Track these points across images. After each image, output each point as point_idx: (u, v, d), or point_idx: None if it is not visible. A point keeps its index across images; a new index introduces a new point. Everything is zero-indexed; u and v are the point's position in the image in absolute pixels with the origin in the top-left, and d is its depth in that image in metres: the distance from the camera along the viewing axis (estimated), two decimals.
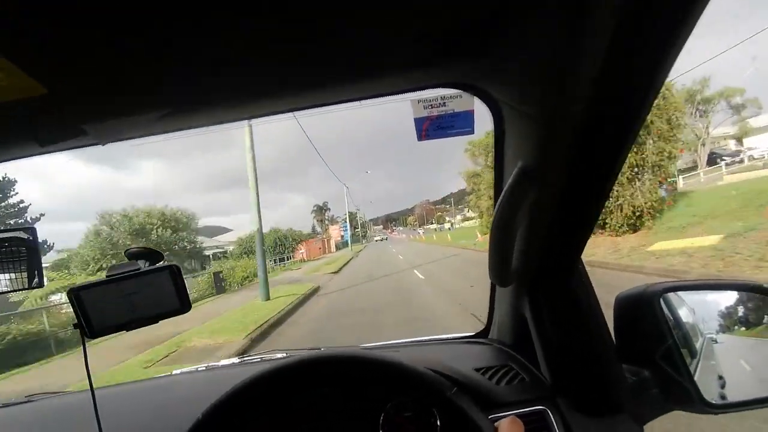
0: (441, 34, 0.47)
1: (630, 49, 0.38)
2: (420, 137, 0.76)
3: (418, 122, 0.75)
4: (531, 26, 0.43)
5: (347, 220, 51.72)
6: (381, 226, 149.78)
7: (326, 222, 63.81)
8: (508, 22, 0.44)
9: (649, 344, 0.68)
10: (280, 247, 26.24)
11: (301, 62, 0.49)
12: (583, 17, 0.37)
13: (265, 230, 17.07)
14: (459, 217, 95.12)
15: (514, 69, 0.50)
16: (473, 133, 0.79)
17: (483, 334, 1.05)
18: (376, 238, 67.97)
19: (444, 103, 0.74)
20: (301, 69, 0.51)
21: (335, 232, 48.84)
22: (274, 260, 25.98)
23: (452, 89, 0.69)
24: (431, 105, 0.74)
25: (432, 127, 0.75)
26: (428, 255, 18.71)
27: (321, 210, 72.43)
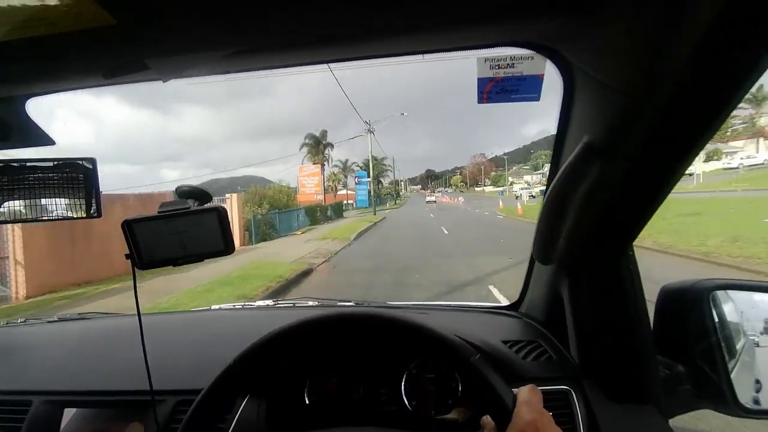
0: None
1: (732, 32, 0.34)
2: (480, 99, 0.73)
3: (481, 83, 0.71)
4: None
5: (366, 171, 33.06)
6: (419, 186, 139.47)
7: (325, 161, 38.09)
8: None
9: (690, 340, 0.66)
10: None
11: (365, 8, 0.46)
12: None
13: None
14: (528, 178, 77.66)
15: (601, 33, 0.46)
16: (538, 100, 0.74)
17: (514, 306, 1.05)
18: (428, 199, 47.66)
19: (513, 64, 0.69)
20: (365, 15, 0.48)
21: (310, 182, 24.93)
22: None
23: (524, 49, 0.64)
24: (498, 65, 0.70)
25: (495, 90, 0.71)
26: None
27: (317, 143, 39.37)
